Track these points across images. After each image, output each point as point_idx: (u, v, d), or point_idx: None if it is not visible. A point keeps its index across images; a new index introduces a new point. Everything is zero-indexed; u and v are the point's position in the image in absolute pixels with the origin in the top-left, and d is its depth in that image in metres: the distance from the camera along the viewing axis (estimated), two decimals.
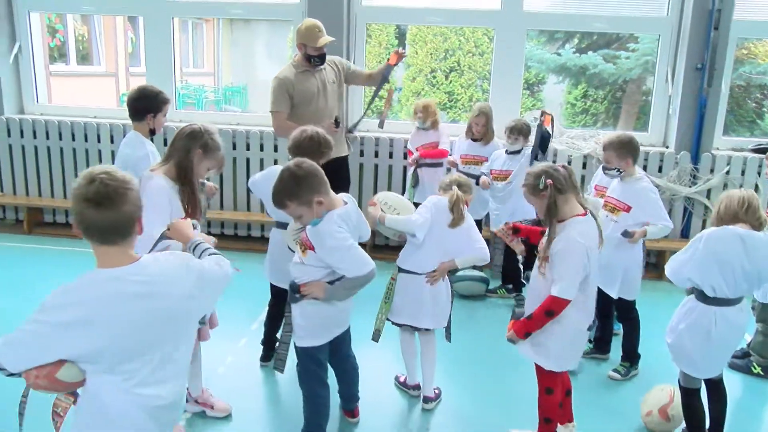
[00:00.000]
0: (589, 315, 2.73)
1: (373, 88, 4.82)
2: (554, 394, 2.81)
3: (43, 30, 6.63)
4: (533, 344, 2.72)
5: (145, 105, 3.38)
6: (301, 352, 2.76)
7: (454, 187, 3.13)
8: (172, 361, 1.84)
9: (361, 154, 5.70)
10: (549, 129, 4.57)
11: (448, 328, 3.29)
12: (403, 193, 5.34)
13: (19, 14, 6.12)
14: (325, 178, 2.61)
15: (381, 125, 4.97)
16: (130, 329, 1.72)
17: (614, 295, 3.58)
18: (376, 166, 5.71)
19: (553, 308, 2.59)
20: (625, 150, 3.51)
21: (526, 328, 2.66)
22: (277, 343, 2.94)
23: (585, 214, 2.66)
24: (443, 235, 3.09)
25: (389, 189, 5.68)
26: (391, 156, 5.66)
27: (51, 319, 1.69)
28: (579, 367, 3.71)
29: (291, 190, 2.52)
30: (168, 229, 2.34)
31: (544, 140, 4.47)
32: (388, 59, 4.69)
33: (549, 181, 2.59)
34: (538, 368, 2.79)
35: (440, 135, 4.90)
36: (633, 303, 3.66)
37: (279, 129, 4.42)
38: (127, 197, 1.72)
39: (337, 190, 2.70)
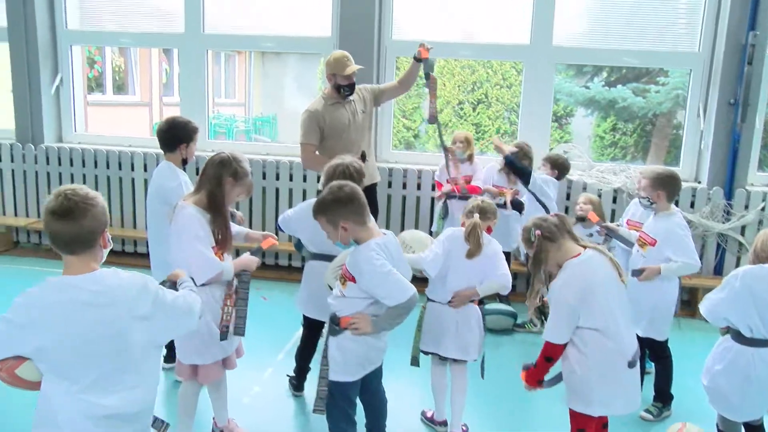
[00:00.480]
0: (613, 353, 2.55)
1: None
2: None
3: (83, 62, 6.87)
4: (567, 387, 2.65)
5: (177, 135, 3.46)
6: (333, 386, 2.72)
7: (475, 215, 3.11)
8: (125, 372, 1.92)
9: (389, 185, 5.72)
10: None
11: (482, 364, 3.23)
12: (431, 225, 5.36)
13: (62, 48, 6.35)
14: (364, 206, 2.62)
15: (432, 120, 4.53)
16: (76, 334, 1.85)
17: (640, 334, 3.46)
18: (404, 197, 5.72)
19: (549, 354, 2.59)
20: (659, 182, 3.47)
21: (534, 376, 2.66)
22: (318, 382, 2.75)
23: (579, 255, 2.59)
24: (463, 266, 3.08)
25: (417, 220, 5.68)
26: (419, 188, 5.67)
27: (12, 317, 1.86)
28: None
29: (324, 206, 2.62)
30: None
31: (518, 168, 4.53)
32: (415, 57, 4.54)
33: (537, 232, 2.62)
34: (578, 417, 2.66)
35: (475, 170, 4.91)
36: (665, 343, 3.56)
37: (307, 161, 4.45)
38: (88, 212, 1.89)
39: None
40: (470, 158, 4.90)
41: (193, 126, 3.51)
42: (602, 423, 2.79)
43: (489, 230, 3.15)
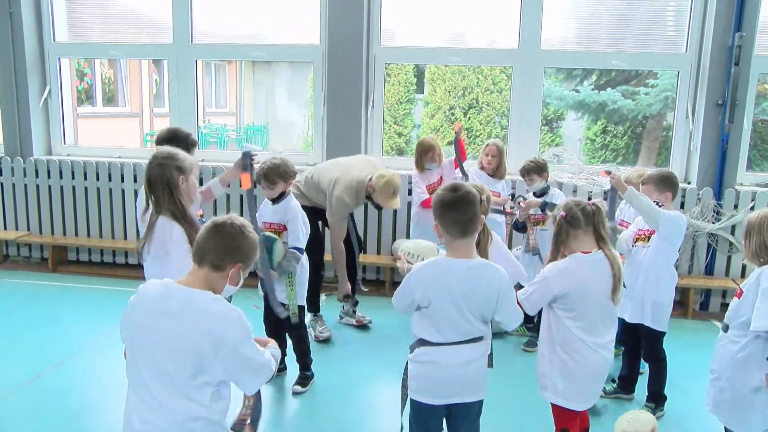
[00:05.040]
0: (592, 355, 2.63)
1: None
2: None
3: (72, 74, 6.85)
4: (541, 380, 2.73)
5: (177, 146, 3.44)
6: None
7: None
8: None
9: None
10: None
11: (490, 355, 3.17)
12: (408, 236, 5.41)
13: (51, 61, 6.33)
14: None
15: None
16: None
17: (647, 323, 3.50)
18: None
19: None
20: (664, 185, 3.51)
21: None
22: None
23: (590, 253, 2.63)
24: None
25: (407, 226, 5.67)
26: (410, 193, 5.67)
27: None
28: (603, 408, 3.63)
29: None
30: None
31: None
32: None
33: (562, 213, 2.67)
34: (554, 408, 2.75)
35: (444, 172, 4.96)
36: (661, 341, 3.56)
37: (336, 243, 4.46)
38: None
39: None
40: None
41: (193, 139, 3.49)
42: (584, 429, 2.85)
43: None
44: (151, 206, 2.68)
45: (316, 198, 4.45)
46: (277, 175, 3.62)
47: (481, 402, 2.52)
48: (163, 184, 2.64)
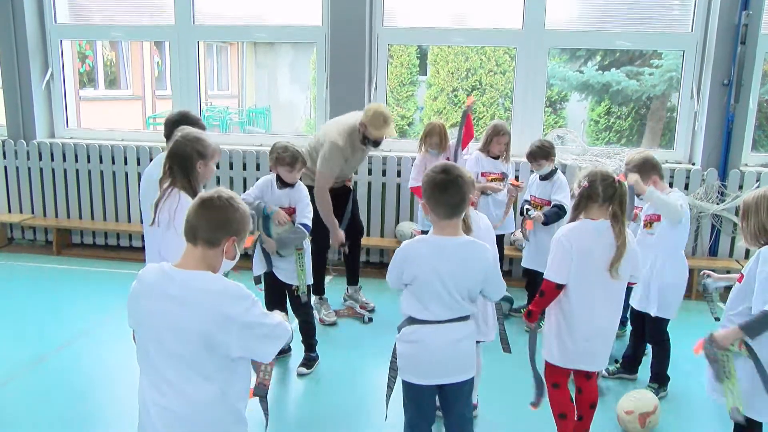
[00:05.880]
0: (573, 318, 2.74)
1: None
2: (561, 388, 2.89)
3: (74, 57, 6.82)
4: (544, 342, 2.88)
5: None
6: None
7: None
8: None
9: (384, 173, 5.72)
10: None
11: (504, 339, 3.12)
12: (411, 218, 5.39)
13: (52, 43, 6.29)
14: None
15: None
16: None
17: (653, 313, 3.49)
18: (399, 185, 5.71)
19: (543, 288, 2.78)
20: (645, 169, 3.47)
21: (533, 307, 2.84)
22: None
23: (598, 220, 2.72)
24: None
25: (412, 208, 5.67)
26: (399, 174, 5.66)
27: None
28: (606, 388, 3.65)
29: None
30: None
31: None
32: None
33: (585, 184, 2.73)
34: (546, 366, 2.88)
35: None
36: (665, 326, 3.56)
37: (321, 191, 4.30)
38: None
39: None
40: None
41: (203, 124, 3.48)
42: (590, 403, 2.92)
43: (473, 204, 3.08)
44: (167, 177, 2.78)
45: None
46: (302, 161, 3.68)
47: (471, 380, 2.57)
48: (183, 161, 2.76)
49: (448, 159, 4.84)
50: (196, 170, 2.77)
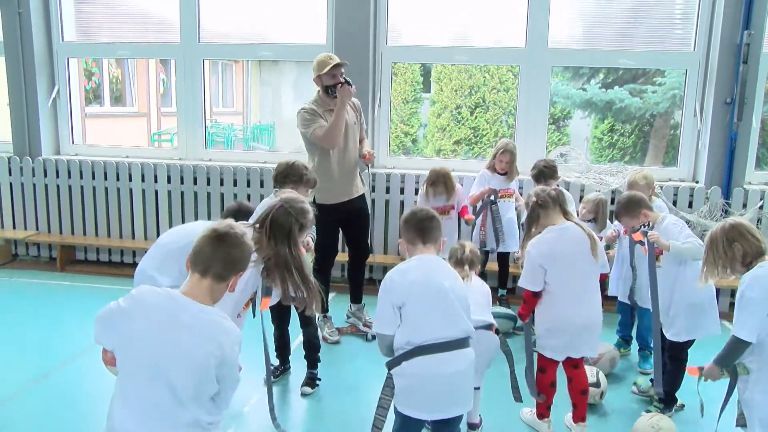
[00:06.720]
0: (559, 314, 3.08)
1: None
2: (546, 373, 3.22)
3: (80, 74, 6.88)
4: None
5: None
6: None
7: (466, 267, 3.16)
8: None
9: (387, 190, 5.74)
10: None
11: (516, 388, 3.18)
12: None
13: (59, 61, 6.36)
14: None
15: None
16: None
17: (668, 336, 3.43)
18: (402, 202, 5.72)
19: (525, 297, 3.19)
20: (632, 209, 3.46)
21: (521, 311, 3.27)
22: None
23: (558, 223, 3.08)
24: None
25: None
26: (416, 193, 5.67)
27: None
28: (610, 411, 3.62)
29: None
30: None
31: None
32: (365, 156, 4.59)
33: (534, 198, 3.13)
34: (537, 355, 3.23)
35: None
36: (686, 346, 3.47)
37: (327, 136, 4.18)
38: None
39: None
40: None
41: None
42: (582, 390, 3.24)
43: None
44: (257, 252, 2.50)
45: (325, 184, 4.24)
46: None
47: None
48: (284, 233, 2.55)
49: (453, 207, 4.84)
50: (298, 242, 2.61)
